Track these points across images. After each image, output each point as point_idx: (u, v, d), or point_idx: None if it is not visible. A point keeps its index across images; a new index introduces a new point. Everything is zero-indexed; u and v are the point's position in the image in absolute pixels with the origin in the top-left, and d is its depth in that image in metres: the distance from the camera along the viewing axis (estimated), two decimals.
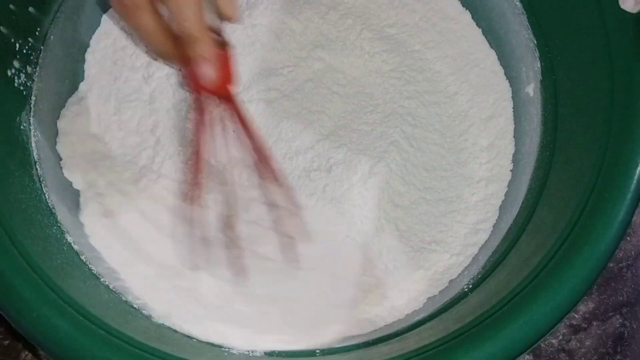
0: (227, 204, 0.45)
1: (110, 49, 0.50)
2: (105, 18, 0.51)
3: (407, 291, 0.45)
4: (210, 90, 0.41)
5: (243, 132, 0.43)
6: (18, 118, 0.44)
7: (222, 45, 0.41)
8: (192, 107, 0.44)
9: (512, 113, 0.50)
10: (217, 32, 0.41)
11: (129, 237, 0.45)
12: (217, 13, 0.41)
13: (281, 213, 0.45)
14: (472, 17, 0.53)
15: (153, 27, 0.39)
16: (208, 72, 0.40)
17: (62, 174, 0.46)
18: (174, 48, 0.40)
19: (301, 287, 0.45)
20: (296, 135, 0.48)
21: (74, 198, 0.46)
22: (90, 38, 0.50)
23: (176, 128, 0.48)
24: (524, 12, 0.48)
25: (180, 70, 0.48)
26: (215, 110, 0.42)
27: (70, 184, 0.46)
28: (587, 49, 0.43)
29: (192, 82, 0.41)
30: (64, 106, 0.48)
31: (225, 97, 0.42)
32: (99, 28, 0.50)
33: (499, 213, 0.47)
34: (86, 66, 0.50)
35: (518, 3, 0.49)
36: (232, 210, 0.45)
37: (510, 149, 0.49)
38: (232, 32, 0.48)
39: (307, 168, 0.47)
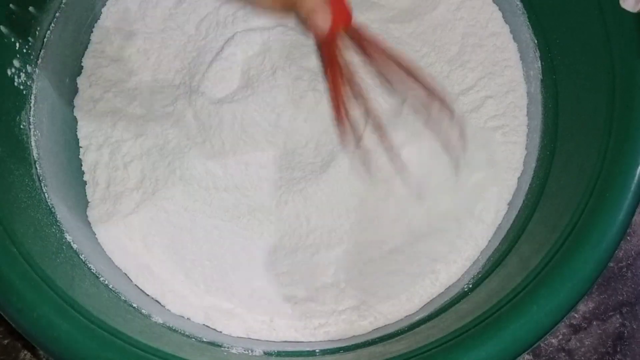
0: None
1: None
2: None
3: (407, 292, 0.45)
4: (332, 32, 0.42)
5: (380, 56, 0.44)
6: (18, 118, 0.44)
7: None
8: (322, 57, 0.46)
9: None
10: None
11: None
12: None
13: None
14: None
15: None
16: (322, 21, 0.42)
17: (62, 173, 0.46)
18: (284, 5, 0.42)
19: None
20: None
21: (74, 197, 0.46)
22: (90, 37, 0.50)
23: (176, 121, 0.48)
24: (525, 12, 0.48)
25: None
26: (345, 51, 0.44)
27: (70, 183, 0.46)
28: (587, 48, 0.42)
29: (313, 32, 0.43)
30: (64, 106, 0.48)
31: (350, 30, 0.43)
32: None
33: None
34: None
35: (518, 3, 0.49)
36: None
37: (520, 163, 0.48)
38: None
39: None
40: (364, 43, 0.45)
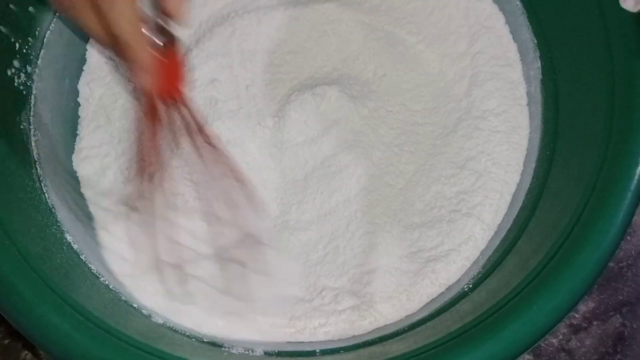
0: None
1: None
2: None
3: (407, 292, 0.45)
4: (155, 93, 0.39)
5: (195, 132, 0.41)
6: (18, 118, 0.44)
7: (170, 41, 0.37)
8: (143, 107, 0.42)
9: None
10: (163, 29, 0.37)
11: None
12: (161, 9, 0.37)
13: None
14: None
15: (94, 25, 0.35)
16: (143, 80, 0.37)
17: (62, 173, 0.46)
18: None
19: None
20: None
21: (74, 198, 0.46)
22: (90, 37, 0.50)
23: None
24: (524, 12, 0.48)
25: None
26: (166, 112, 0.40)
27: (71, 183, 0.46)
28: (587, 48, 0.42)
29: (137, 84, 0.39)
30: (64, 106, 0.48)
31: (175, 99, 0.39)
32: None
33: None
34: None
35: (518, 3, 0.49)
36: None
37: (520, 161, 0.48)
38: None
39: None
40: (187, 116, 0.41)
